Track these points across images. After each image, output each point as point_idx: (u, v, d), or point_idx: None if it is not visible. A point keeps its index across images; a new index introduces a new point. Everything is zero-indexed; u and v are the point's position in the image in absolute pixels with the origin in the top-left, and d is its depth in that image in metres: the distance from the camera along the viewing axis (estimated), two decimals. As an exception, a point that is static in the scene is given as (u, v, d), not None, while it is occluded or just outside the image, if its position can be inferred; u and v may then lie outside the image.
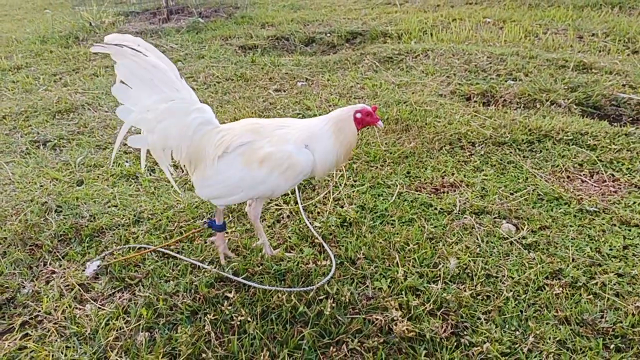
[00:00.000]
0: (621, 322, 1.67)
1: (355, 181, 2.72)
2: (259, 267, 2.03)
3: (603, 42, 4.87)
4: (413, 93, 3.91)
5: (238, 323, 1.72)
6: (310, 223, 2.32)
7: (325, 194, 2.59)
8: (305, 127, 1.84)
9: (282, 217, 2.40)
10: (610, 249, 2.05)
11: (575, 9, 5.74)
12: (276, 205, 2.49)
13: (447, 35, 5.49)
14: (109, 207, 2.52)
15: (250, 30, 6.29)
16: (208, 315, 1.75)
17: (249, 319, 1.73)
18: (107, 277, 1.99)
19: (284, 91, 4.17)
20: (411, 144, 3.09)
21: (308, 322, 1.72)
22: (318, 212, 2.43)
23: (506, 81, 4.02)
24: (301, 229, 2.29)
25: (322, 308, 1.76)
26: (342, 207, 2.46)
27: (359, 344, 1.64)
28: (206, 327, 1.70)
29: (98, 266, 2.03)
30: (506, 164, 2.82)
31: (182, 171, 2.21)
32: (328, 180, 2.71)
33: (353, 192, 2.60)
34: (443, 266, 2.00)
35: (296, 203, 2.49)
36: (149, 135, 1.80)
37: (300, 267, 2.01)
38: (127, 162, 3.03)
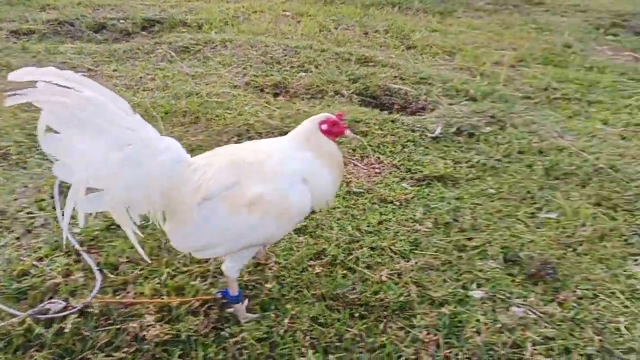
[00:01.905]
0: (366, 292, 1.81)
1: (130, 179, 2.52)
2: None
3: (384, 38, 5.37)
4: (207, 84, 3.81)
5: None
6: (69, 229, 2.07)
7: (93, 195, 2.35)
8: (292, 154, 1.54)
9: (35, 227, 2.10)
10: (368, 226, 2.23)
11: (363, 7, 6.23)
12: (28, 214, 2.18)
13: (248, 27, 5.49)
14: None
15: (27, 13, 5.49)
16: None
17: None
18: None
19: (61, 83, 3.71)
20: (199, 136, 3.00)
21: (44, 345, 1.52)
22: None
23: (298, 73, 4.17)
24: (55, 239, 2.03)
25: (63, 326, 1.56)
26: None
27: (106, 357, 1.50)
28: None
29: None
30: (288, 152, 2.90)
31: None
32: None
33: (126, 190, 2.40)
34: (213, 260, 1.96)
35: (54, 208, 2.20)
36: (105, 194, 1.40)
37: (46, 282, 1.77)
38: None
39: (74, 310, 1.62)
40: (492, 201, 2.51)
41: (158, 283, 1.82)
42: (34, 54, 4.20)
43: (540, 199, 2.54)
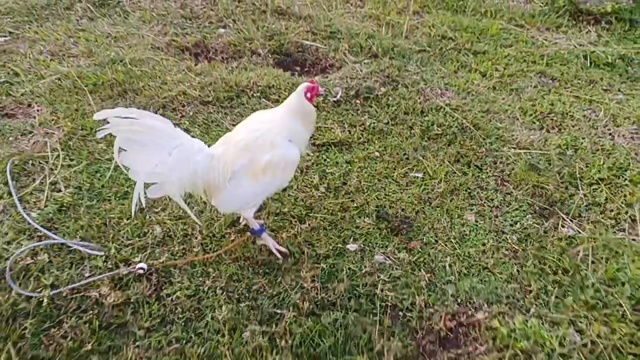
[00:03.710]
0: (270, 253, 2.46)
1: (72, 160, 2.94)
2: (-24, 271, 2.23)
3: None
4: (129, 47, 4.06)
5: (-40, 333, 1.97)
6: (27, 214, 2.53)
7: (42, 179, 2.78)
8: (280, 124, 2.16)
9: (-4, 213, 2.55)
10: (277, 194, 2.82)
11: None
12: (-12, 201, 2.60)
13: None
14: None
15: None
16: None
17: (-29, 325, 2.00)
18: None
19: (-17, 51, 3.85)
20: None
21: (29, 313, 2.08)
22: (34, 201, 2.64)
23: (217, 29, 4.45)
24: (18, 223, 2.49)
25: (41, 299, 2.11)
26: (59, 191, 2.71)
27: (77, 320, 2.08)
28: None
29: None
30: (210, 122, 3.36)
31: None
32: (43, 164, 2.87)
33: (70, 172, 2.84)
34: (150, 234, 2.51)
35: (10, 195, 2.63)
36: (166, 184, 2.04)
37: (21, 262, 2.28)
38: None
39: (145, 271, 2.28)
40: (376, 164, 3.15)
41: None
42: (-52, 16, 4.19)
43: (414, 159, 3.20)
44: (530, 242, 2.67)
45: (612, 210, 2.91)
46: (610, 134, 3.57)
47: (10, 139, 3.06)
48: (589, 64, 4.40)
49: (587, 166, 3.21)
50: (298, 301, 2.25)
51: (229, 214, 2.56)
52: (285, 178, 2.25)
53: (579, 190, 3.03)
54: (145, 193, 2.06)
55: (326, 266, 2.44)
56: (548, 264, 2.54)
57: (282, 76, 3.86)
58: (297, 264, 2.43)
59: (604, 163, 3.23)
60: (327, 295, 2.29)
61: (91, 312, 2.13)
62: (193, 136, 2.20)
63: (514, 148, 3.34)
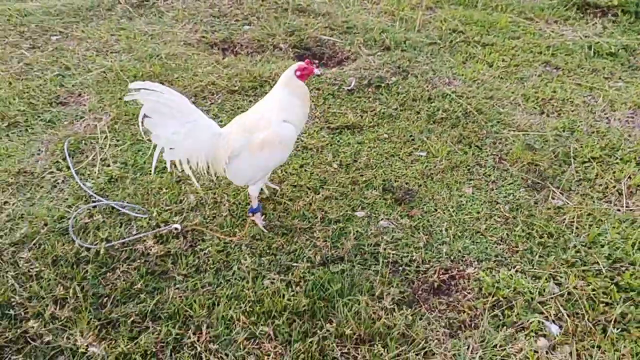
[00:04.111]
0: (287, 218, 2.84)
1: (117, 140, 3.39)
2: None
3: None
4: (164, 43, 4.51)
5: (34, 273, 2.41)
6: (83, 184, 2.98)
7: (93, 156, 3.23)
8: (274, 105, 2.41)
9: (58, 183, 3.00)
10: (293, 169, 3.20)
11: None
12: (49, 173, 3.05)
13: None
14: None
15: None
16: (9, 272, 2.40)
17: (42, 268, 2.44)
18: None
19: (39, 48, 4.35)
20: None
21: (90, 261, 2.51)
22: (89, 174, 3.09)
23: (243, 26, 4.87)
24: (76, 191, 2.94)
25: (98, 249, 2.54)
26: (108, 166, 3.15)
27: (127, 267, 2.51)
28: (9, 281, 2.36)
29: None
30: (236, 109, 3.76)
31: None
32: (94, 144, 3.32)
33: (117, 151, 3.28)
34: (185, 201, 2.92)
35: (69, 169, 3.09)
36: (177, 150, 2.39)
37: (80, 222, 2.72)
38: None
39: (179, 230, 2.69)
40: (384, 144, 3.50)
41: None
42: (7, 17, 4.71)
43: (419, 140, 3.54)
44: (521, 211, 2.97)
45: (601, 185, 3.19)
46: (607, 118, 3.83)
47: (65, 123, 3.52)
48: (592, 54, 4.63)
49: (581, 146, 3.49)
50: (311, 255, 2.62)
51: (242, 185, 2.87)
52: (283, 153, 2.50)
53: (571, 167, 3.32)
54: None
55: (336, 228, 2.80)
56: (535, 229, 2.84)
57: (301, 68, 4.23)
58: (311, 227, 2.80)
59: (597, 143, 3.50)
60: (336, 252, 2.66)
61: (139, 261, 2.54)
62: (221, 120, 2.58)
63: (514, 130, 3.64)
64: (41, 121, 3.51)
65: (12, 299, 2.30)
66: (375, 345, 2.19)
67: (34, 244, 2.57)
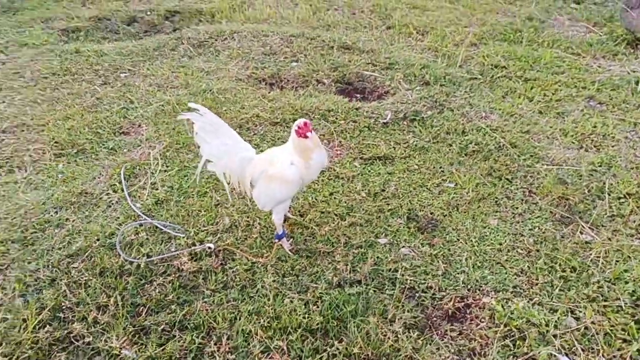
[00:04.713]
0: (312, 242, 3.01)
1: (167, 166, 3.74)
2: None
3: (368, 19, 6.25)
4: (217, 79, 4.91)
5: (83, 282, 2.73)
6: (133, 204, 3.32)
7: (145, 180, 3.59)
8: (288, 147, 2.70)
9: (112, 203, 3.36)
10: (323, 196, 3.39)
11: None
12: (106, 194, 3.43)
13: (253, 13, 6.46)
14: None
15: (70, 10, 6.61)
16: (63, 280, 2.73)
17: (90, 277, 2.75)
18: (-17, 267, 2.83)
19: (110, 84, 4.89)
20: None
21: (131, 273, 2.80)
22: (139, 196, 3.44)
23: (290, 63, 5.20)
24: (127, 211, 3.28)
25: (139, 263, 2.84)
26: (156, 189, 3.49)
27: (163, 280, 2.77)
28: (62, 288, 2.69)
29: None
30: (276, 140, 4.03)
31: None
32: (147, 169, 3.69)
33: (165, 176, 3.63)
34: (220, 223, 3.18)
35: (123, 191, 3.45)
36: (216, 165, 2.79)
37: (127, 238, 3.04)
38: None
39: (212, 249, 2.95)
40: (414, 175, 3.62)
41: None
42: (86, 57, 5.34)
43: (448, 172, 3.63)
44: (545, 244, 2.97)
45: (634, 222, 3.12)
46: (649, 153, 3.74)
47: (125, 150, 3.94)
48: (639, 90, 4.53)
49: (617, 182, 3.43)
50: (330, 277, 2.77)
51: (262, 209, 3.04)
52: (287, 189, 2.72)
53: (604, 202, 3.27)
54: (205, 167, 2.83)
55: (357, 253, 2.94)
56: (558, 263, 2.83)
57: (340, 102, 4.47)
58: (334, 251, 2.96)
59: (635, 179, 3.43)
60: (354, 275, 2.79)
61: (173, 275, 2.81)
62: (261, 150, 2.83)
63: (547, 164, 3.64)
64: (105, 148, 3.95)
65: (63, 304, 2.61)
66: (380, 365, 2.29)
67: (86, 256, 2.90)
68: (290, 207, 3.16)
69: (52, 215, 3.21)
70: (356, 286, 2.72)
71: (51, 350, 2.39)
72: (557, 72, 4.96)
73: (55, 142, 3.96)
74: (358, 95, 4.78)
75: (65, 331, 2.47)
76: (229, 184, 2.89)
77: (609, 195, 3.33)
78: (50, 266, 2.83)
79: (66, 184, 3.53)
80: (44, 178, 3.61)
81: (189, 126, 4.10)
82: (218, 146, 2.73)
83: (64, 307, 2.60)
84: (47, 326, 2.49)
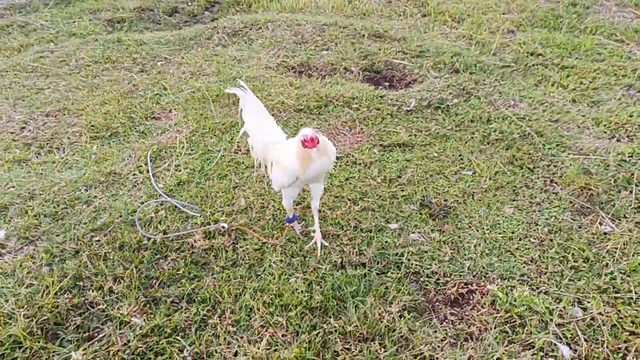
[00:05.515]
0: (325, 224, 3.06)
1: (192, 150, 3.89)
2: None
3: (404, 7, 6.18)
4: (248, 67, 5.03)
5: (103, 254, 2.91)
6: (157, 185, 3.49)
7: (169, 163, 3.75)
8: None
9: (137, 183, 3.54)
10: (338, 181, 3.42)
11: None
12: (133, 174, 3.62)
13: (289, 2, 6.54)
14: (8, 188, 3.51)
15: (117, 2, 6.93)
16: (85, 252, 2.92)
17: (110, 250, 2.93)
18: (15, 237, 3.07)
19: (146, 72, 5.11)
20: (235, 116, 4.26)
21: (148, 248, 2.96)
22: (162, 177, 3.60)
23: (320, 51, 5.24)
24: (150, 190, 3.45)
25: (156, 239, 2.99)
26: (179, 171, 3.64)
27: (177, 256, 2.91)
28: (84, 259, 2.88)
29: (5, 232, 3.09)
30: (299, 126, 4.09)
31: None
32: (172, 152, 3.85)
33: (189, 159, 3.77)
34: (236, 204, 3.29)
35: (148, 172, 3.63)
36: (250, 139, 2.97)
37: (147, 215, 3.20)
38: (17, 149, 3.96)
39: (225, 229, 3.08)
40: (432, 162, 3.58)
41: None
42: (127, 46, 5.60)
43: (467, 160, 3.56)
44: (560, 234, 2.88)
45: (662, 214, 2.96)
46: (688, 144, 3.52)
47: (154, 134, 4.13)
48: (685, 77, 4.26)
49: (648, 173, 3.26)
50: (336, 259, 2.81)
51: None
52: (288, 177, 2.71)
53: (631, 192, 3.12)
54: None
55: (365, 237, 2.96)
56: (571, 253, 2.75)
57: (365, 89, 4.47)
58: (342, 234, 2.99)
59: (667, 170, 3.25)
60: (360, 258, 2.82)
61: (187, 252, 2.94)
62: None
63: (573, 154, 3.51)
64: (136, 132, 4.15)
65: (83, 273, 2.80)
66: (373, 344, 2.31)
67: (108, 231, 3.09)
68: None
69: (82, 193, 3.43)
70: (360, 268, 2.75)
71: (68, 314, 2.58)
72: (596, 60, 4.73)
73: (92, 126, 4.20)
74: (386, 84, 4.76)
75: (83, 298, 2.65)
76: (257, 159, 3.05)
77: (637, 186, 3.17)
78: (75, 239, 3.03)
79: (97, 164, 3.74)
80: (79, 158, 3.85)
81: (216, 112, 4.27)
82: (254, 121, 2.90)
83: (83, 277, 2.78)
84: (67, 293, 2.68)
